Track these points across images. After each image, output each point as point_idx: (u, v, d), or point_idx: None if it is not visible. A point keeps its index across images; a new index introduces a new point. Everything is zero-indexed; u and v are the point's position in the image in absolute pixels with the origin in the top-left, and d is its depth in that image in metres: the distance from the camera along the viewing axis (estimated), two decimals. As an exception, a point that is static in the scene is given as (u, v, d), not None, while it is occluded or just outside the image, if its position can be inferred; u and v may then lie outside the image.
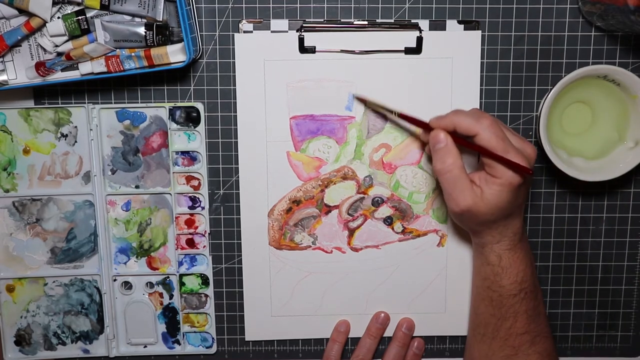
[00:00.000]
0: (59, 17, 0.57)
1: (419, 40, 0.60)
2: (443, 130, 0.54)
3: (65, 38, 0.57)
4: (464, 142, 0.54)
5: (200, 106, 0.62)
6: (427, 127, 0.56)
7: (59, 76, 0.59)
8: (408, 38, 0.60)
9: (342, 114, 0.62)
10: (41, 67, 0.58)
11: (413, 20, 0.61)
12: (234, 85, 0.61)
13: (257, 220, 0.63)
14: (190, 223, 0.64)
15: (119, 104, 0.62)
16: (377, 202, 0.63)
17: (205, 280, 0.65)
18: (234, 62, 0.61)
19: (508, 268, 0.56)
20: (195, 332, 0.66)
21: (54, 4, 0.56)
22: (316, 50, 0.60)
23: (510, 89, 0.62)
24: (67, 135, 0.62)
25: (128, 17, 0.57)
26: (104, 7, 0.56)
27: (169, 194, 0.63)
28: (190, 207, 0.63)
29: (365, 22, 0.61)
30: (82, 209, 0.63)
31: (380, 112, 0.61)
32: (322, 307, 0.65)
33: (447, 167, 0.53)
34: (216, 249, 0.64)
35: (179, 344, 0.66)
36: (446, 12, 0.61)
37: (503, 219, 0.54)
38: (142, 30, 0.56)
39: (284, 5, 0.61)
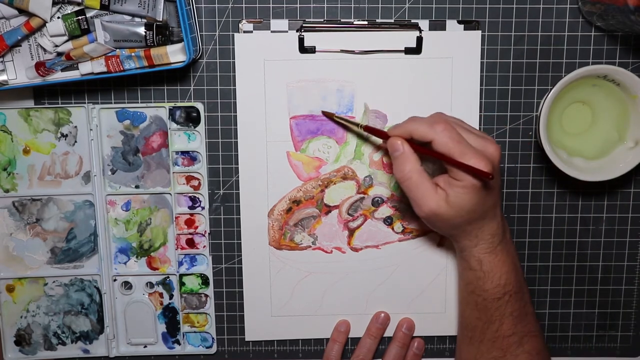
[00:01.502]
0: (59, 17, 0.57)
1: (419, 40, 0.60)
2: (399, 137, 0.54)
3: (65, 38, 0.57)
4: (422, 149, 0.53)
5: (200, 106, 0.62)
6: (387, 136, 0.56)
7: (59, 76, 0.59)
8: (408, 38, 0.60)
9: (342, 114, 0.62)
10: (41, 67, 0.58)
11: (413, 20, 0.61)
12: (234, 85, 0.61)
13: (257, 220, 0.63)
14: (190, 223, 0.64)
15: (119, 104, 0.62)
16: (377, 202, 0.63)
17: (205, 280, 0.65)
18: (234, 62, 0.61)
19: (489, 272, 0.55)
20: (195, 332, 0.66)
21: (54, 4, 0.56)
22: (316, 50, 0.60)
23: (510, 89, 0.62)
24: (67, 135, 0.62)
25: (128, 17, 0.57)
26: (104, 7, 0.56)
27: (169, 194, 0.63)
28: (190, 207, 0.63)
29: (365, 22, 0.61)
30: (82, 209, 0.63)
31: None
32: (322, 307, 0.65)
33: (406, 174, 0.53)
34: (216, 249, 0.64)
35: (179, 344, 0.66)
36: (446, 12, 0.61)
37: (476, 221, 0.54)
38: (142, 30, 0.56)
39: (284, 5, 0.61)
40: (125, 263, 0.64)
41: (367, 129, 0.59)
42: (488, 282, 0.55)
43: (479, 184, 0.51)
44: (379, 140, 0.62)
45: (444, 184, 0.53)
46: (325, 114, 0.61)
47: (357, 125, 0.59)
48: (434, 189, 0.53)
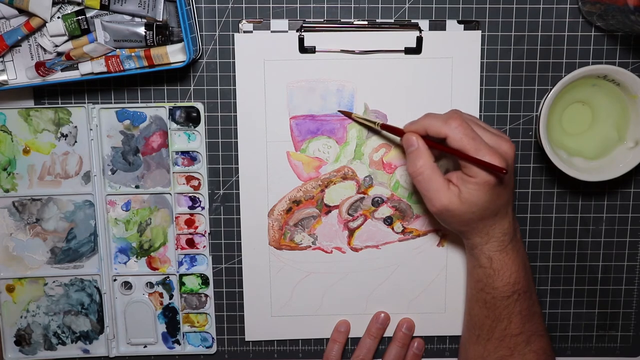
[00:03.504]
0: (59, 17, 0.57)
1: (419, 40, 0.60)
2: (415, 133, 0.54)
3: (65, 38, 0.57)
4: (437, 145, 0.53)
5: (200, 106, 0.62)
6: (402, 133, 0.56)
7: (59, 76, 0.59)
8: (408, 38, 0.60)
9: (342, 114, 0.62)
10: (41, 67, 0.57)
11: (413, 20, 0.61)
12: (234, 85, 0.61)
13: (257, 220, 0.63)
14: (190, 223, 0.64)
15: (119, 104, 0.62)
16: (377, 202, 0.63)
17: (205, 280, 0.65)
18: (234, 62, 0.61)
19: (500, 270, 0.55)
20: (195, 332, 0.66)
21: (54, 4, 0.56)
22: (316, 50, 0.60)
23: (510, 89, 0.62)
24: (67, 135, 0.62)
25: (128, 17, 0.57)
26: (104, 7, 0.56)
27: (169, 194, 0.63)
28: (190, 207, 0.63)
29: (365, 22, 0.61)
30: (82, 209, 0.63)
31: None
32: (322, 307, 0.65)
33: (419, 169, 0.53)
34: (216, 249, 0.64)
35: (179, 344, 0.66)
36: (446, 12, 0.61)
37: (488, 218, 0.54)
38: (142, 30, 0.56)
39: (284, 5, 0.61)
40: (125, 263, 0.64)
41: (384, 126, 0.59)
42: (498, 280, 0.56)
43: (493, 180, 0.51)
44: (381, 141, 0.62)
45: (457, 180, 0.53)
46: (343, 112, 0.61)
47: (374, 123, 0.60)
48: (446, 185, 0.53)
